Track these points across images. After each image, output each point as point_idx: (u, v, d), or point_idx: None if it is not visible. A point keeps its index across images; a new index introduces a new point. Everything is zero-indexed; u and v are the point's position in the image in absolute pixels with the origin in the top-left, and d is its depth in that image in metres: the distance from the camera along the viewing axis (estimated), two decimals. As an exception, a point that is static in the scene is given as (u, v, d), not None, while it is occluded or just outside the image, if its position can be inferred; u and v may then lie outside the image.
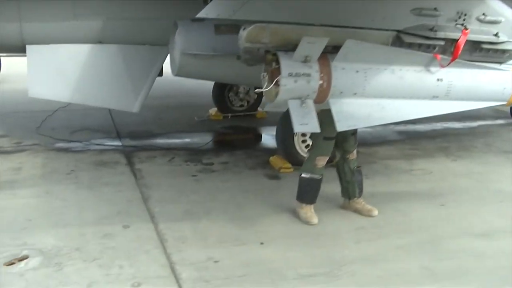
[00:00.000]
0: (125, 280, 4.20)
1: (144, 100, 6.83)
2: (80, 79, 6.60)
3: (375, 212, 5.52)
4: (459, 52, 4.68)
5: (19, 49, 6.58)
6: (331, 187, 5.67)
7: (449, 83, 4.71)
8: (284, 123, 6.74)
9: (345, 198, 5.66)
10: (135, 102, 6.79)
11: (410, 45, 4.81)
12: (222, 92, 9.11)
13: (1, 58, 11.62)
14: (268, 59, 4.39)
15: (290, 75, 4.23)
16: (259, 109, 9.35)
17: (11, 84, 10.41)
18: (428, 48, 4.87)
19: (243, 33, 4.39)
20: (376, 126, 5.00)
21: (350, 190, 5.57)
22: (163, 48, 6.82)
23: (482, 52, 5.15)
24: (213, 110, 9.26)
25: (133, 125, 8.40)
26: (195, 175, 6.49)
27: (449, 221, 5.48)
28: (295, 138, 6.71)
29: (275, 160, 6.89)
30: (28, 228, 4.99)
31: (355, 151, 5.48)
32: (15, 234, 4.86)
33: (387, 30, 4.81)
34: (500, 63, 5.39)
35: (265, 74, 4.43)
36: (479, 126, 9.24)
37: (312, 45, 4.12)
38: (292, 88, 4.28)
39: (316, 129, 4.36)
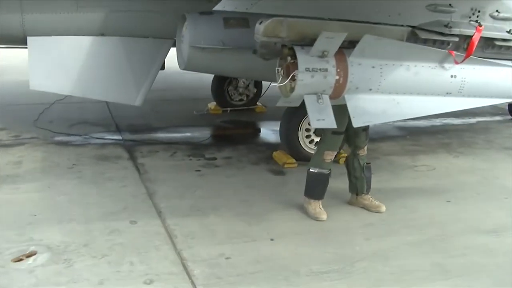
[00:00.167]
0: (137, 277, 4.14)
1: (146, 93, 6.74)
2: (82, 71, 6.50)
3: (383, 208, 5.50)
4: (474, 48, 4.65)
5: (20, 41, 6.46)
6: (337, 182, 5.63)
7: (462, 80, 4.68)
8: (288, 118, 6.70)
9: (352, 193, 5.63)
10: (137, 96, 6.70)
11: (425, 41, 4.77)
12: (221, 86, 9.01)
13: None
14: (285, 53, 4.33)
15: (307, 70, 4.17)
16: (258, 103, 9.26)
17: (6, 76, 10.22)
18: (442, 45, 4.85)
19: (260, 27, 4.32)
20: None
21: (359, 186, 5.53)
22: (166, 41, 6.75)
23: (495, 49, 5.14)
24: (212, 104, 9.16)
25: (132, 118, 8.28)
26: (198, 170, 6.41)
27: (457, 218, 5.47)
28: (299, 133, 6.66)
29: (278, 155, 6.83)
30: (33, 223, 4.90)
31: (365, 147, 5.45)
32: (20, 229, 4.77)
33: (402, 26, 4.77)
34: (513, 60, 5.38)
35: (280, 68, 4.37)
36: (478, 122, 9.24)
37: (330, 40, 4.07)
38: (309, 83, 4.23)
39: (333, 124, 4.31)
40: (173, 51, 6.71)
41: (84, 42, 6.49)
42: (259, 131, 8.48)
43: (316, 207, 5.34)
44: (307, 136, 6.72)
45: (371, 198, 5.56)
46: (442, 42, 4.86)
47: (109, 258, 4.37)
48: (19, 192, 5.55)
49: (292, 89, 4.32)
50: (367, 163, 5.51)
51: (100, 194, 5.59)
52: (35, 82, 6.37)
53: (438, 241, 4.96)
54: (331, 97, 4.37)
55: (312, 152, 6.65)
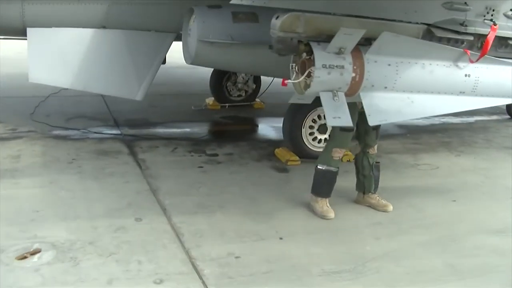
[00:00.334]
0: (146, 277, 4.03)
1: (148, 88, 6.62)
2: (83, 65, 6.36)
3: (390, 208, 5.45)
4: (488, 47, 4.60)
5: (19, 32, 6.30)
6: (341, 180, 5.54)
7: (476, 79, 4.64)
8: (291, 115, 6.62)
9: (359, 192, 5.57)
10: (139, 90, 6.58)
11: (440, 39, 4.71)
12: (220, 81, 8.91)
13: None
14: (301, 49, 4.23)
15: (324, 66, 4.08)
16: (257, 99, 9.17)
17: (2, 68, 10.02)
18: (456, 43, 4.80)
19: (277, 22, 4.22)
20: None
21: (367, 185, 5.47)
22: (168, 35, 6.63)
23: (508, 48, 5.10)
24: (210, 100, 9.06)
25: (129, 113, 8.16)
26: (201, 167, 6.31)
27: (464, 218, 5.44)
28: (303, 130, 6.59)
29: (281, 152, 6.75)
30: (36, 220, 4.77)
31: (376, 146, 5.38)
32: (23, 226, 4.64)
33: (418, 23, 4.70)
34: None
35: (294, 65, 4.28)
36: (476, 121, 9.25)
37: (348, 36, 3.99)
38: (325, 80, 4.14)
39: (349, 122, 4.24)
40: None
41: (85, 35, 6.34)
42: (259, 127, 8.39)
43: (324, 205, 5.26)
44: (311, 133, 6.64)
45: (378, 197, 5.50)
46: (457, 40, 4.81)
47: (117, 256, 4.26)
48: (20, 187, 5.41)
49: (307, 86, 4.23)
50: (376, 162, 5.45)
51: (102, 190, 5.47)
52: (35, 74, 6.21)
53: (448, 241, 4.91)
54: (346, 95, 4.29)
55: (315, 149, 6.64)
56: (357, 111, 4.94)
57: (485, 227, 5.26)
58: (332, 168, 5.23)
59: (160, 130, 7.62)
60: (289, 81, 4.31)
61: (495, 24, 4.75)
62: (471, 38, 4.78)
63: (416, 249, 4.75)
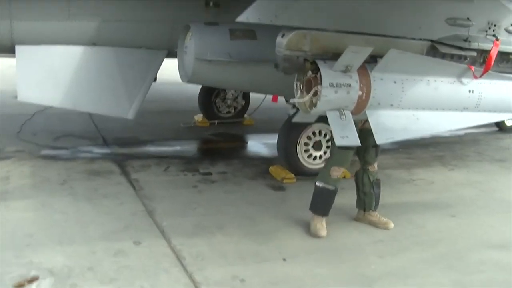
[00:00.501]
0: (151, 303, 3.89)
1: (139, 106, 6.50)
2: (72, 83, 6.24)
3: (391, 225, 5.38)
4: (492, 63, 4.59)
5: (7, 49, 6.15)
6: (340, 197, 5.46)
7: (479, 95, 4.62)
8: (286, 131, 6.54)
9: (360, 209, 5.49)
10: (130, 109, 6.47)
11: (443, 55, 4.69)
12: (209, 98, 8.81)
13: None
14: (307, 67, 4.16)
15: (331, 85, 4.02)
16: (246, 116, 9.09)
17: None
18: (459, 59, 4.78)
19: (283, 40, 4.15)
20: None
21: (367, 202, 5.40)
22: (160, 52, 6.54)
23: (509, 63, 5.09)
24: (198, 117, 8.95)
25: (118, 131, 8.02)
26: (196, 186, 6.19)
27: (465, 233, 5.39)
28: (298, 147, 6.49)
29: (275, 170, 6.66)
30: (31, 244, 4.59)
31: (376, 164, 5.32)
32: (18, 251, 4.46)
33: (422, 39, 4.67)
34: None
35: (298, 83, 4.20)
36: (466, 134, 9.28)
37: (356, 54, 3.93)
38: (332, 99, 4.07)
39: (357, 142, 4.17)
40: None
41: (75, 52, 6.23)
42: (251, 144, 8.29)
43: (318, 223, 5.16)
44: (306, 150, 6.55)
45: (378, 215, 5.43)
46: (460, 56, 4.79)
47: (118, 283, 4.10)
48: (11, 210, 5.23)
49: (313, 105, 4.16)
50: (376, 179, 5.38)
51: (97, 212, 5.31)
52: (23, 93, 6.07)
53: (451, 258, 4.85)
54: (352, 113, 4.22)
55: (310, 166, 6.57)
56: (357, 129, 4.88)
57: (487, 242, 5.21)
58: (329, 186, 5.13)
59: (151, 149, 7.49)
60: (294, 100, 4.22)
61: (497, 39, 4.75)
62: (475, 54, 4.76)
63: (421, 266, 4.67)
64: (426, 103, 4.45)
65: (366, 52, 4.00)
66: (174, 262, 4.47)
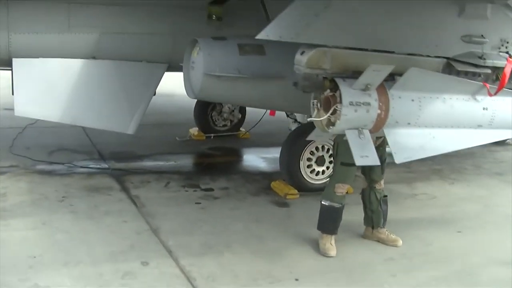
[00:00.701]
0: (166, 328, 3.76)
1: (139, 121, 6.37)
2: (72, 97, 6.09)
3: (400, 242, 5.32)
4: (506, 80, 4.56)
5: (4, 63, 5.98)
6: (345, 214, 5.39)
7: (493, 112, 4.59)
8: (289, 147, 6.44)
9: (367, 226, 5.42)
10: (130, 123, 6.33)
11: (458, 73, 4.65)
12: (205, 111, 8.68)
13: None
14: (326, 85, 4.08)
15: (351, 104, 3.95)
16: (242, 129, 8.98)
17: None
18: (473, 76, 4.74)
19: (303, 58, 4.07)
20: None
21: (375, 219, 5.33)
22: (160, 65, 6.43)
23: (520, 81, 5.08)
24: (194, 130, 8.81)
25: (113, 145, 7.84)
26: (198, 203, 6.06)
27: (473, 249, 5.36)
28: (301, 163, 6.39)
29: (278, 186, 6.56)
30: (34, 266, 4.44)
31: (382, 181, 5.26)
32: (21, 274, 4.31)
33: (439, 57, 4.63)
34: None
35: (315, 101, 4.12)
36: (460, 147, 9.28)
37: (377, 73, 3.86)
38: (352, 118, 4.01)
39: (376, 161, 4.10)
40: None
41: (74, 65, 6.08)
42: (249, 158, 8.17)
43: (327, 242, 5.08)
44: (309, 166, 6.46)
45: (387, 232, 5.36)
46: (474, 73, 4.76)
47: (130, 307, 3.97)
48: (11, 229, 5.05)
49: (331, 123, 4.07)
50: (384, 196, 5.32)
51: (100, 230, 5.17)
52: (21, 107, 5.91)
53: (464, 275, 4.82)
54: (370, 132, 4.15)
55: (313, 181, 6.49)
56: None
57: (496, 258, 5.18)
58: (335, 204, 5.05)
59: (149, 163, 7.35)
60: (312, 118, 4.13)
61: (510, 56, 4.72)
62: (489, 71, 4.74)
63: (435, 285, 4.63)
64: (442, 121, 4.40)
65: (387, 70, 3.95)
66: (185, 284, 4.36)
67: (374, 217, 5.34)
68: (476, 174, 7.81)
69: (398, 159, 4.30)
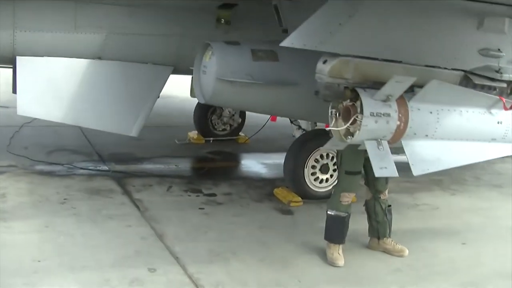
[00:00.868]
0: (177, 337, 3.68)
1: (143, 123, 6.28)
2: (75, 97, 5.99)
3: (406, 252, 5.29)
4: (521, 94, 4.57)
5: (7, 61, 5.86)
6: (353, 223, 5.36)
7: (507, 126, 4.58)
8: (293, 154, 6.38)
9: (373, 237, 5.37)
10: (134, 126, 6.26)
11: (475, 86, 4.64)
12: (205, 115, 8.58)
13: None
14: (346, 95, 4.04)
15: (372, 114, 3.92)
16: (241, 133, 8.92)
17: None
18: (489, 89, 4.73)
19: (325, 67, 4.03)
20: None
21: (381, 230, 5.29)
22: (166, 68, 6.36)
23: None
24: (193, 133, 8.73)
25: (112, 146, 7.74)
26: (202, 208, 5.99)
27: (479, 262, 5.34)
28: (305, 170, 6.34)
29: (281, 193, 6.50)
30: (39, 271, 4.34)
31: (386, 191, 5.23)
32: (26, 278, 4.22)
33: (456, 70, 4.62)
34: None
35: (334, 111, 4.07)
36: (459, 157, 9.29)
37: (399, 84, 3.83)
38: (372, 129, 3.97)
39: (394, 173, 4.08)
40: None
41: (79, 65, 5.99)
42: (250, 164, 8.10)
43: (335, 252, 5.04)
44: (313, 173, 6.41)
45: (393, 242, 5.33)
46: (490, 87, 4.75)
47: (139, 314, 3.89)
48: (14, 232, 4.95)
49: (349, 133, 4.04)
50: (388, 206, 5.29)
51: (105, 235, 5.08)
52: (23, 107, 5.80)
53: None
54: (388, 143, 4.12)
55: (317, 189, 6.45)
56: (363, 156, 4.79)
57: (501, 271, 5.16)
58: (341, 213, 5.02)
59: (149, 166, 7.26)
60: (330, 128, 4.09)
61: (526, 71, 4.73)
62: (505, 85, 4.74)
63: (444, 297, 4.60)
64: (458, 134, 4.39)
65: (410, 82, 3.93)
66: (194, 292, 4.28)
67: (380, 228, 5.30)
68: (476, 186, 7.81)
69: (416, 171, 4.27)
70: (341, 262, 4.98)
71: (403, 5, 4.07)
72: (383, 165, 3.95)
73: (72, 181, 6.35)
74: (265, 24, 5.94)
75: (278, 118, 7.61)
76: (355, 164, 4.91)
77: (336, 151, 5.17)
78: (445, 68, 4.56)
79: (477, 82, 4.61)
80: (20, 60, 5.77)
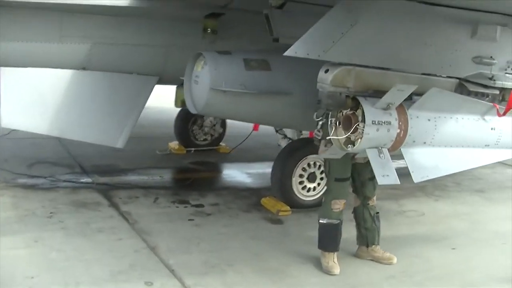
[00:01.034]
0: None
1: (129, 134, 6.20)
2: (60, 109, 5.89)
3: (395, 260, 5.29)
4: (513, 100, 4.65)
5: (-11, 71, 5.71)
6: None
7: (500, 132, 4.67)
8: (281, 163, 6.36)
9: (361, 245, 5.37)
10: (120, 137, 6.17)
11: (469, 93, 4.72)
12: (185, 125, 8.52)
13: None
14: (348, 104, 4.06)
15: (373, 123, 3.94)
16: (222, 143, 8.88)
17: None
18: (482, 96, 4.82)
19: (328, 76, 4.04)
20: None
21: (370, 237, 5.29)
22: (151, 78, 6.29)
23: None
24: (173, 144, 8.65)
25: (93, 157, 7.61)
26: (191, 219, 5.92)
27: (470, 267, 5.39)
28: (293, 179, 6.33)
29: (269, 202, 6.47)
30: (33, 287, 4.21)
31: (375, 197, 5.26)
32: (20, 296, 4.08)
33: (452, 77, 4.69)
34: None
35: (333, 119, 4.08)
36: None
37: (400, 92, 3.87)
38: (374, 137, 3.99)
39: (396, 181, 4.10)
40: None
41: (64, 76, 5.88)
42: (234, 173, 8.06)
43: (330, 260, 5.03)
44: (300, 182, 6.41)
45: (381, 250, 5.32)
46: (483, 94, 4.83)
47: (140, 331, 3.81)
48: (2, 248, 4.80)
49: (350, 142, 4.05)
50: (376, 213, 5.31)
51: (96, 249, 4.97)
52: (8, 119, 5.67)
53: (467, 293, 4.85)
54: (388, 151, 4.14)
55: (305, 198, 6.45)
56: (349, 160, 4.82)
57: (493, 275, 5.22)
58: (334, 221, 5.01)
59: (133, 177, 7.16)
60: (331, 137, 4.10)
61: (518, 77, 4.83)
62: (497, 92, 4.83)
63: (441, 302, 4.63)
64: (454, 141, 4.45)
65: (411, 90, 3.97)
66: (194, 305, 4.21)
67: (369, 235, 5.29)
68: (458, 191, 7.93)
69: (416, 178, 4.31)
70: (337, 270, 4.97)
71: (402, 14, 4.12)
72: (385, 173, 3.98)
73: (56, 194, 6.21)
74: (252, 34, 5.95)
75: (260, 127, 7.61)
76: (344, 171, 4.92)
77: (323, 159, 5.17)
78: (441, 76, 4.63)
79: (471, 89, 4.69)
80: (4, 71, 5.64)
